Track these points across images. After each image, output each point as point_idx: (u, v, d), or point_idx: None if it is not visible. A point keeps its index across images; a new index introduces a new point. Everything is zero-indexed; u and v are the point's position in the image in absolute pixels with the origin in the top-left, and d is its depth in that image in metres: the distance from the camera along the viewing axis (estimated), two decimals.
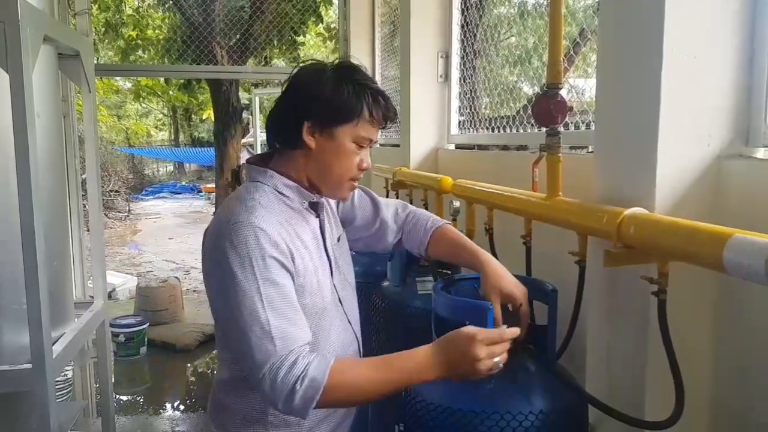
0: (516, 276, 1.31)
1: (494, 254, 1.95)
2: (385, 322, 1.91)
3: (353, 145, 1.22)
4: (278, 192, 1.23)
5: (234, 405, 1.26)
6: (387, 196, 3.36)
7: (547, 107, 1.51)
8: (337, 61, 1.27)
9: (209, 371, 4.75)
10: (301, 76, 1.23)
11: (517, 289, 1.25)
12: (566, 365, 1.41)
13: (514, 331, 1.11)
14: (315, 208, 1.30)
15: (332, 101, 1.18)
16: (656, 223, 1.16)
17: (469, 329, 1.08)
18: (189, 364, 4.77)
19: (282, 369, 1.04)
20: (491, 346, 1.07)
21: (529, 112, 2.06)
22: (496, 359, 1.07)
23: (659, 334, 1.17)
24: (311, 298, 1.20)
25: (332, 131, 1.20)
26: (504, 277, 1.27)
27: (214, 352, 4.94)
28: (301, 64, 1.27)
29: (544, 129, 1.56)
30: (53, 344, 1.98)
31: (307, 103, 1.19)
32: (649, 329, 1.25)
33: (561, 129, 1.55)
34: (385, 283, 2.01)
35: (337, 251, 1.36)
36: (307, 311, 1.18)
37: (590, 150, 1.96)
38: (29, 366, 1.87)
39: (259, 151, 6.79)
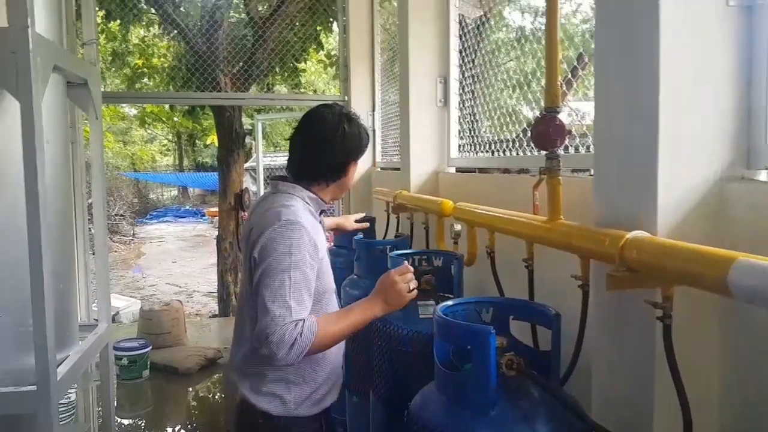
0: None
1: (496, 277, 1.95)
2: (385, 345, 1.90)
3: None
4: (305, 202, 1.67)
5: (262, 370, 1.61)
6: (388, 219, 3.37)
7: (546, 130, 1.52)
8: (340, 112, 1.70)
9: (210, 395, 4.71)
10: (347, 136, 1.67)
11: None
12: (570, 391, 1.40)
13: (409, 267, 1.62)
14: (320, 214, 1.75)
15: (362, 143, 1.71)
16: (659, 246, 1.16)
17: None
18: (190, 388, 4.73)
19: (289, 328, 1.43)
20: (403, 275, 1.58)
21: (529, 135, 2.08)
22: (412, 285, 1.58)
23: (665, 358, 1.16)
24: (327, 277, 1.66)
25: (356, 161, 1.74)
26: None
27: (215, 376, 4.91)
28: (319, 113, 1.72)
29: (543, 152, 1.58)
30: (57, 366, 1.98)
31: (353, 148, 1.70)
32: (655, 354, 1.23)
33: (560, 152, 1.56)
34: None
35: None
36: (323, 288, 1.64)
37: (592, 173, 1.98)
38: (33, 388, 1.87)
39: (261, 176, 6.84)
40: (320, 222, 1.73)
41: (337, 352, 1.73)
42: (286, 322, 1.43)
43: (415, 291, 1.60)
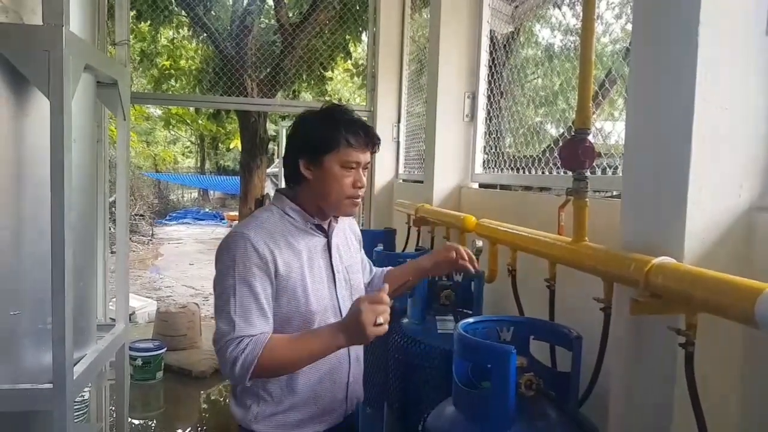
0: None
1: (516, 296, 1.94)
2: (403, 358, 1.90)
3: (342, 169, 1.47)
4: (285, 213, 1.51)
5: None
6: (408, 232, 3.37)
7: (575, 152, 1.51)
8: (306, 111, 1.55)
9: (222, 399, 4.73)
10: (294, 125, 1.55)
11: (444, 249, 1.71)
12: (589, 414, 1.38)
13: (386, 297, 1.31)
14: (321, 229, 1.55)
15: (313, 138, 1.47)
16: (685, 273, 1.14)
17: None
18: (203, 392, 4.75)
19: (231, 345, 1.34)
20: (374, 304, 1.29)
21: (555, 154, 2.07)
22: (380, 319, 1.28)
23: (686, 385, 1.14)
24: (289, 299, 1.45)
25: (320, 161, 1.47)
26: (432, 252, 1.77)
27: (228, 380, 4.93)
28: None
29: (569, 172, 1.56)
30: (74, 365, 2.00)
31: (297, 143, 1.50)
32: (676, 380, 1.22)
33: (588, 174, 1.55)
34: (405, 320, 2.00)
35: (351, 272, 1.62)
36: (289, 312, 1.45)
37: (614, 194, 1.96)
38: (50, 386, 1.89)
39: (283, 182, 6.91)
40: (327, 238, 1.56)
41: (321, 379, 1.53)
42: (227, 339, 1.35)
43: (385, 326, 1.30)
